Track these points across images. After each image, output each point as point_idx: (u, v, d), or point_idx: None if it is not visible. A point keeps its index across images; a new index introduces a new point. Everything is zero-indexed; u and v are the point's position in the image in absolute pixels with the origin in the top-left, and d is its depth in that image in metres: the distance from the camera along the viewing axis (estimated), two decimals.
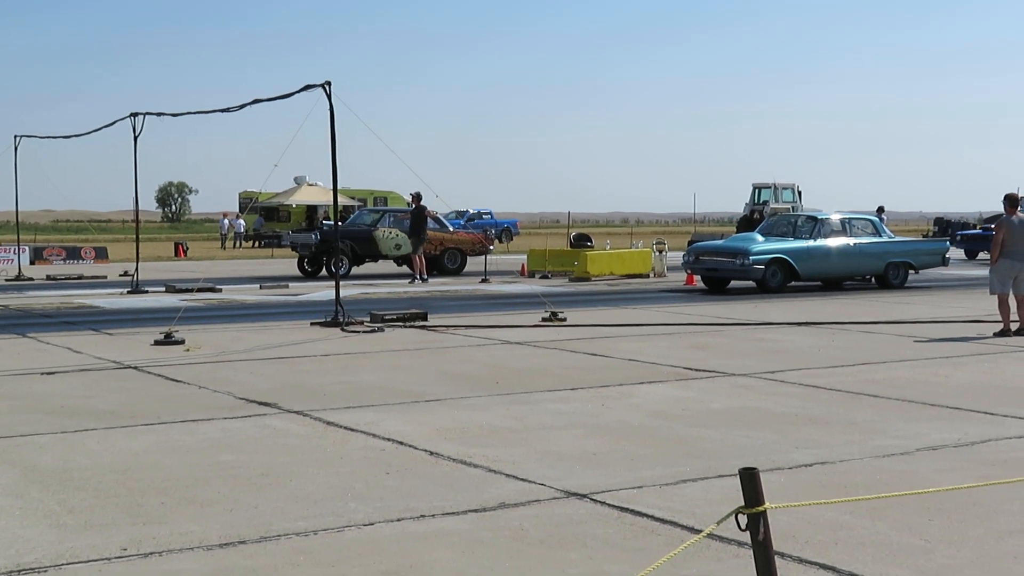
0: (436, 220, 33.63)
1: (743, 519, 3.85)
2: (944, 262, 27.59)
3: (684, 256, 26.91)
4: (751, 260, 23.96)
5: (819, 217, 25.70)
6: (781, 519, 5.70)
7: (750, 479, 3.83)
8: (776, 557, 4.03)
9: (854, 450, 8.07)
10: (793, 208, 53.11)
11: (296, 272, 32.86)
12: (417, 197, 30.36)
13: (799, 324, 17.06)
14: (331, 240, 30.57)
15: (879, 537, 5.89)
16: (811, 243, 24.71)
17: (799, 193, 54.45)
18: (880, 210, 43.28)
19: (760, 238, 25.31)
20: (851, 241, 25.20)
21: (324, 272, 31.97)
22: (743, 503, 3.87)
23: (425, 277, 29.79)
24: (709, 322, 17.55)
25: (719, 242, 27.74)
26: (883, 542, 5.81)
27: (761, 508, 3.81)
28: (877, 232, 26.02)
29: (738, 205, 55.22)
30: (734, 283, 25.57)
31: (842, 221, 25.72)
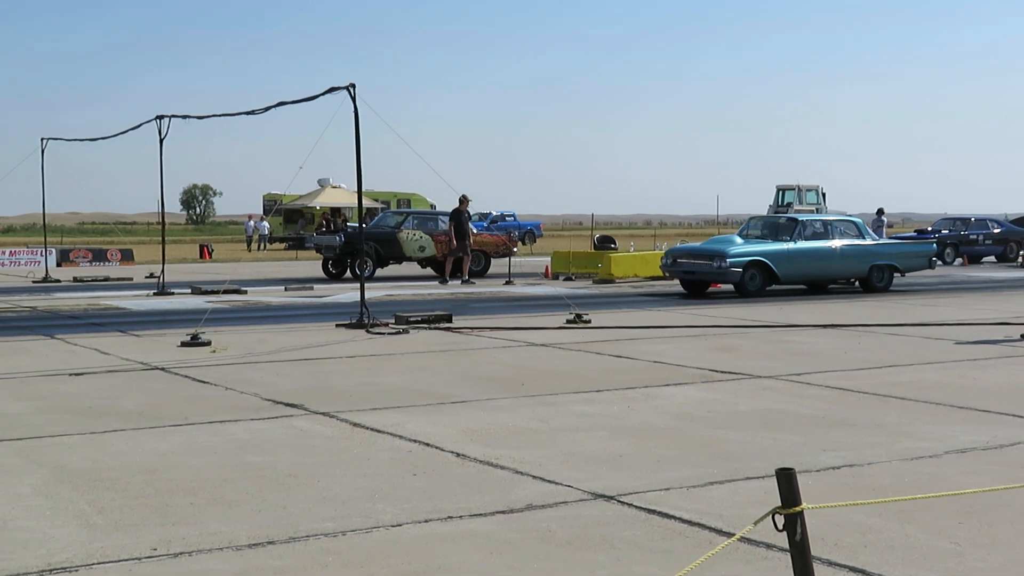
0: None
1: (780, 519, 3.84)
2: (931, 265, 27.04)
3: (663, 259, 26.47)
4: (728, 263, 23.43)
5: (799, 219, 25.18)
6: (810, 521, 5.64)
7: (787, 479, 3.82)
8: None
9: (881, 452, 8.04)
10: (817, 210, 53.02)
11: (321, 274, 32.94)
12: (461, 200, 30.46)
13: (824, 326, 17.00)
14: (355, 242, 30.74)
15: (908, 540, 5.87)
16: (791, 245, 24.20)
17: (823, 195, 54.37)
18: (880, 212, 43.11)
19: (739, 240, 24.85)
20: (833, 243, 24.68)
21: (348, 274, 32.05)
22: (774, 505, 3.86)
23: (467, 278, 29.79)
24: (734, 324, 17.52)
25: (697, 244, 27.36)
26: (912, 545, 5.79)
27: (798, 508, 3.80)
28: (861, 234, 25.52)
29: (762, 207, 55.15)
30: (722, 287, 25.05)
31: (824, 223, 25.32)
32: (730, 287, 24.30)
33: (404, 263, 33.00)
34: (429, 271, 33.78)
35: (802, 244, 24.31)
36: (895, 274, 25.68)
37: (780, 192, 54.35)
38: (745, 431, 8.87)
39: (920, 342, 15.08)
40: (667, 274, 26.20)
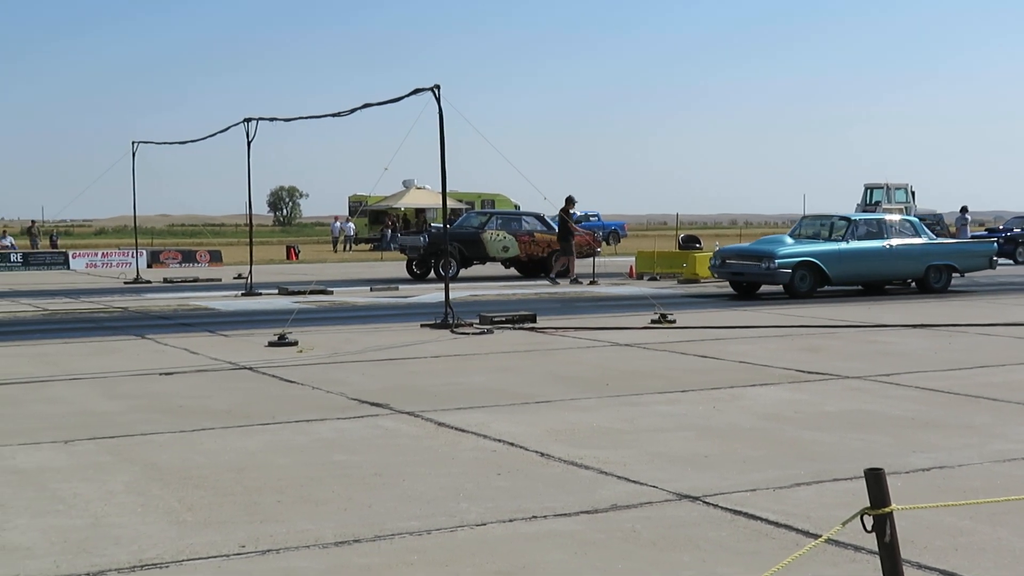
0: (543, 222, 33.71)
1: (868, 521, 3.79)
2: (991, 264, 26.00)
3: (711, 260, 25.91)
4: (777, 263, 22.83)
5: (852, 218, 24.42)
6: (899, 523, 5.57)
7: (876, 480, 3.77)
8: None
9: (972, 454, 7.91)
10: (906, 208, 52.24)
11: (406, 274, 33.13)
12: (567, 200, 30.51)
13: (914, 326, 16.75)
14: (439, 243, 30.89)
15: (1000, 543, 5.76)
16: (843, 245, 23.50)
17: (912, 193, 53.51)
18: (963, 210, 42.10)
19: (790, 240, 24.20)
20: (887, 243, 23.92)
21: (432, 275, 32.20)
22: (863, 506, 3.81)
23: (573, 277, 29.73)
24: (821, 324, 17.32)
25: (746, 245, 26.71)
26: (1005, 548, 5.68)
27: (888, 509, 3.75)
28: (917, 233, 24.70)
29: (850, 205, 54.42)
30: (764, 288, 24.27)
31: (878, 222, 24.61)
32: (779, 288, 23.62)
33: (488, 263, 33.09)
34: (513, 271, 33.83)
35: (855, 244, 23.64)
36: (954, 274, 24.93)
37: (868, 191, 53.59)
38: (832, 432, 8.77)
39: (1012, 342, 14.79)
40: (715, 275, 25.73)
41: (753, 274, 23.58)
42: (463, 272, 32.14)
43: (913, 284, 24.97)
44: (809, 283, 23.14)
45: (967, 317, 18.10)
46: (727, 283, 25.75)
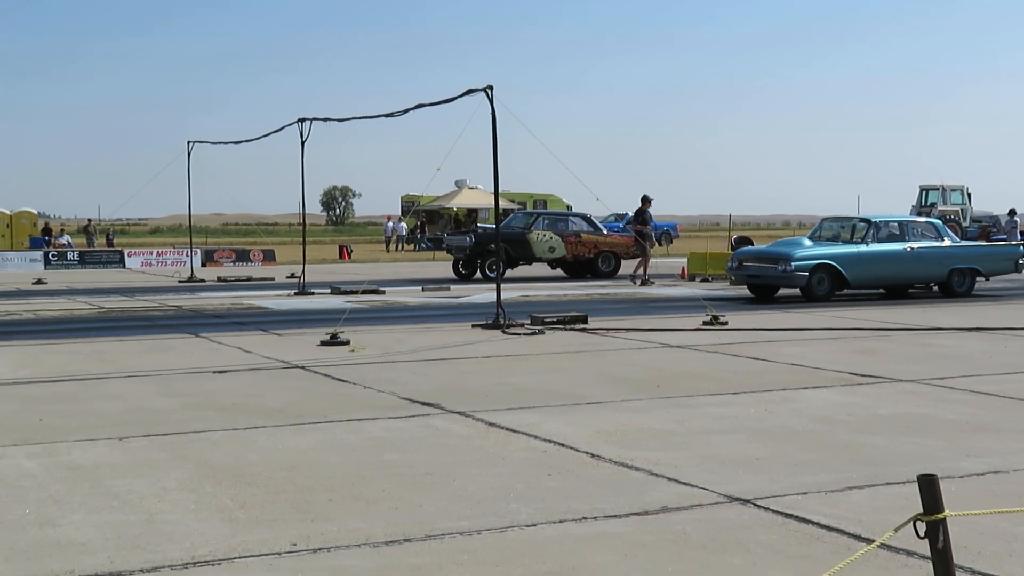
0: (589, 223, 33.71)
1: (921, 527, 3.77)
2: (1017, 268, 25.33)
3: (729, 261, 25.41)
4: (794, 266, 22.26)
5: (872, 220, 23.82)
6: (952, 529, 5.52)
7: (929, 485, 3.74)
8: None
9: None
10: (962, 211, 51.75)
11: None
12: (643, 200, 30.52)
13: (969, 330, 16.58)
14: (485, 243, 30.94)
15: None
16: (862, 248, 22.98)
17: (969, 195, 53.00)
18: (1012, 212, 41.27)
19: (808, 242, 23.67)
20: (909, 246, 23.31)
21: (479, 275, 32.20)
22: (915, 511, 3.79)
23: (645, 278, 29.67)
24: (875, 327, 17.19)
25: (763, 247, 26.17)
26: None
27: (941, 515, 3.72)
28: (939, 236, 24.07)
29: (904, 207, 53.99)
30: (783, 291, 23.68)
31: (900, 224, 23.96)
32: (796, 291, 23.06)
33: (534, 264, 33.05)
34: (559, 272, 33.78)
35: (874, 247, 23.07)
36: (978, 278, 24.33)
37: (923, 192, 53.17)
38: (885, 435, 8.70)
39: None
40: (732, 278, 25.21)
41: (770, 276, 23.01)
42: (509, 272, 32.08)
43: (936, 288, 24.39)
44: (827, 286, 22.62)
45: (1023, 320, 17.89)
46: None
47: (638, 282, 29.15)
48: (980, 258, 24.75)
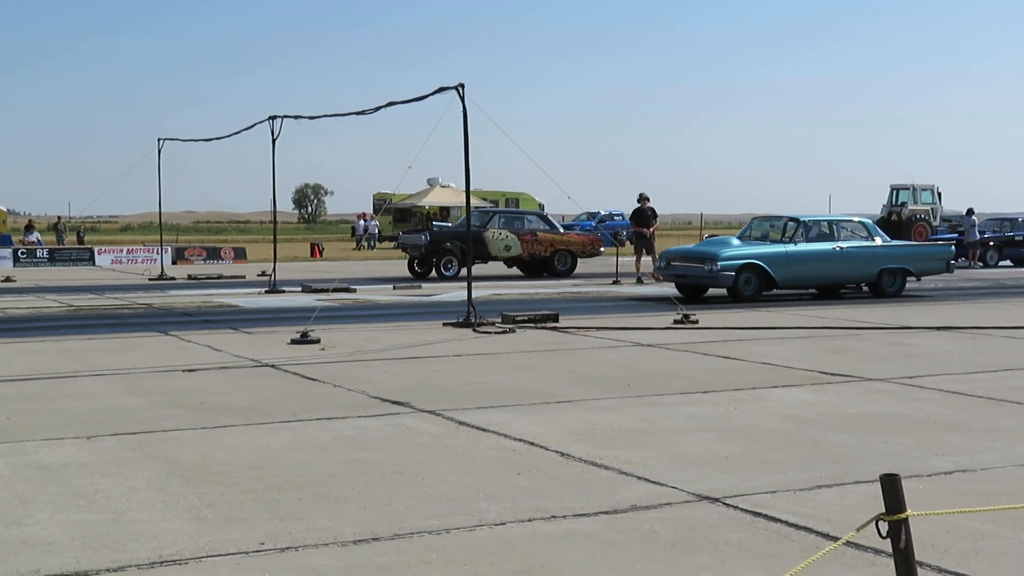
0: (546, 221, 33.75)
1: (884, 526, 3.78)
2: (948, 268, 25.13)
3: (657, 261, 25.27)
4: (720, 266, 22.03)
5: (801, 219, 23.50)
6: (920, 527, 5.58)
7: (891, 485, 3.76)
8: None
9: (996, 458, 7.86)
10: (932, 210, 52.01)
11: (431, 273, 33.03)
12: (640, 199, 30.45)
13: (938, 328, 16.67)
14: (440, 241, 30.95)
15: (1022, 548, 5.73)
16: (790, 247, 22.72)
17: (939, 195, 53.26)
18: (969, 212, 41.48)
19: (736, 242, 23.39)
20: (838, 245, 23.12)
21: (434, 273, 32.09)
22: (881, 510, 3.80)
23: (638, 277, 29.68)
24: (845, 325, 17.26)
25: (690, 246, 25.96)
26: None
27: (903, 515, 3.73)
28: (870, 235, 23.91)
29: (875, 206, 54.24)
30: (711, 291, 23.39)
31: (829, 223, 23.77)
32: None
33: (489, 262, 32.92)
34: (515, 271, 33.69)
35: (802, 246, 22.81)
36: (908, 278, 24.16)
37: (894, 192, 53.39)
38: (855, 434, 8.74)
39: None
40: (660, 277, 25.06)
41: (697, 276, 22.76)
42: (484, 271, 32.02)
43: (866, 288, 24.21)
44: (754, 286, 22.39)
45: (992, 319, 18.00)
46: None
47: (644, 280, 29.11)
48: (911, 258, 24.50)
